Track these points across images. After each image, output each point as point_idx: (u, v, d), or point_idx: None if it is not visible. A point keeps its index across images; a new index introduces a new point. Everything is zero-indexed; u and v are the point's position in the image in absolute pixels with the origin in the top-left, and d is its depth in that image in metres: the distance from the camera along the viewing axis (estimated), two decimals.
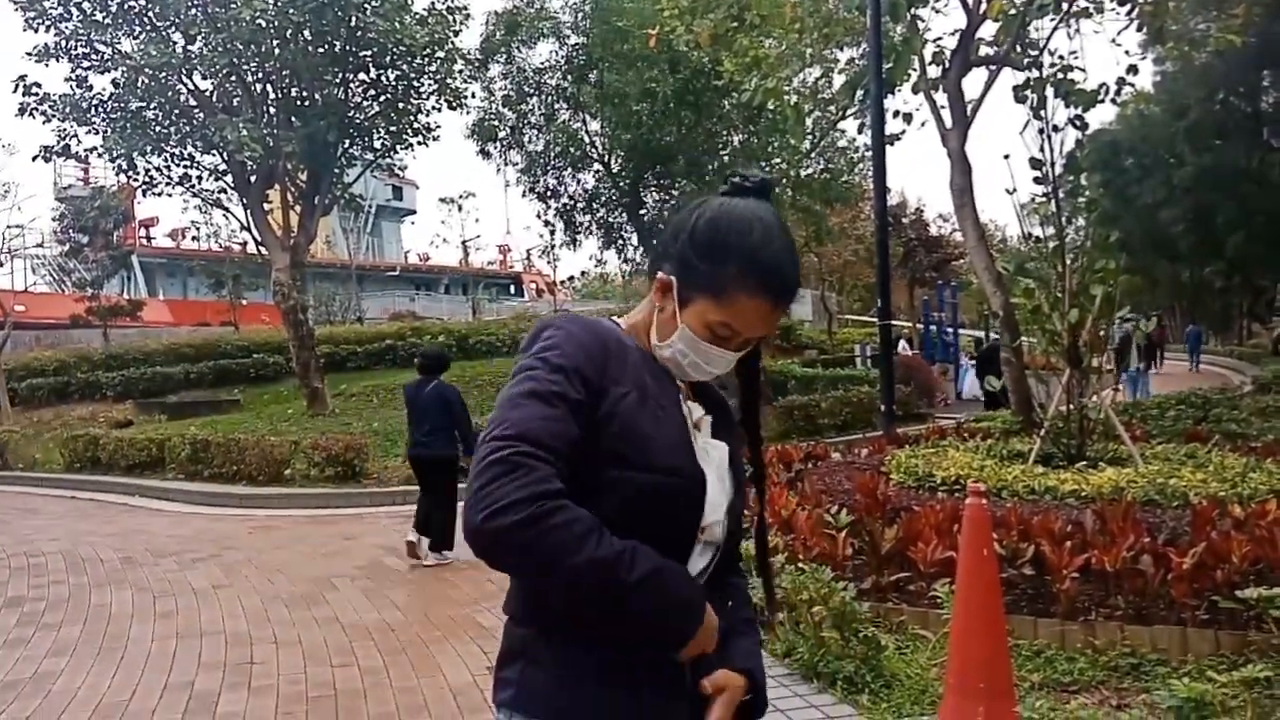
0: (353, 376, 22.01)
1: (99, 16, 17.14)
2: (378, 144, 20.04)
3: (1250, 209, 28.88)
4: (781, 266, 1.39)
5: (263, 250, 19.05)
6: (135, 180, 19.06)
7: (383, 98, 19.06)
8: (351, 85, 18.81)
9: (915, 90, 10.92)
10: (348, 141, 19.13)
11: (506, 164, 23.89)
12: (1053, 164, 8.02)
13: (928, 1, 10.91)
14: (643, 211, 23.63)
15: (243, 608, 6.71)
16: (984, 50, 10.64)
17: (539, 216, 26.57)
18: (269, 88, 18.42)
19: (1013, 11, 10.04)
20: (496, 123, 23.05)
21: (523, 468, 1.22)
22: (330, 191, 19.66)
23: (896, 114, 11.70)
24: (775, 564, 4.91)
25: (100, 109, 17.77)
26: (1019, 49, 10.42)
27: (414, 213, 60.79)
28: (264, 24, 16.53)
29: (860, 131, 20.26)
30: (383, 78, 18.77)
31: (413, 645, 5.63)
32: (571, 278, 49.40)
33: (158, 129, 18.08)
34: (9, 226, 29.84)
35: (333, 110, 18.09)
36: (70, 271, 32.59)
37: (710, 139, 22.15)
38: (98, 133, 17.97)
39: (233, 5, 16.21)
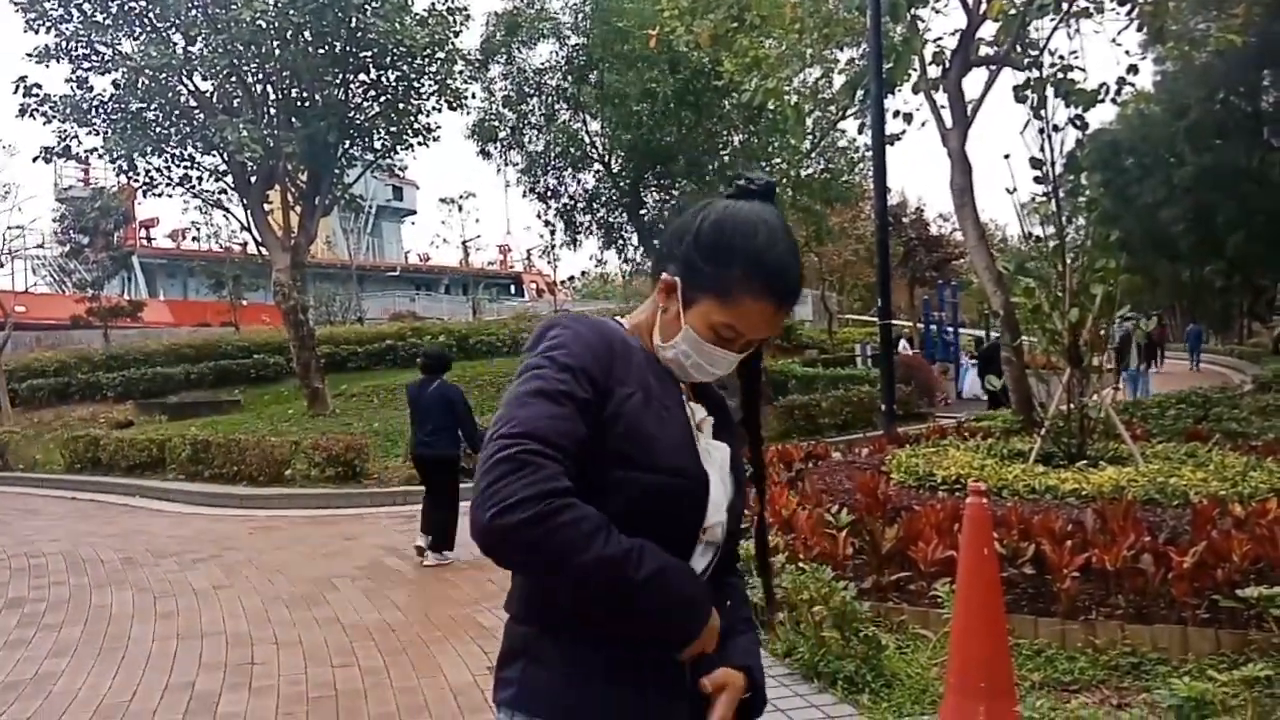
0: (353, 377, 22.02)
1: (99, 18, 17.15)
2: (378, 144, 20.05)
3: (1250, 208, 28.89)
4: (786, 269, 1.40)
5: (263, 251, 19.06)
6: (136, 181, 19.07)
7: (383, 98, 19.07)
8: (352, 86, 18.82)
9: (915, 90, 10.92)
10: (348, 142, 19.14)
11: (507, 164, 23.90)
12: (1053, 163, 8.03)
13: (928, 1, 10.92)
14: (643, 211, 23.63)
15: (243, 608, 6.71)
16: (984, 50, 10.64)
17: (539, 217, 26.59)
18: (269, 88, 18.43)
19: (1013, 11, 10.04)
20: (497, 123, 23.05)
21: (531, 465, 1.23)
22: (330, 192, 19.67)
23: (897, 114, 11.72)
24: (776, 564, 4.91)
25: (101, 110, 17.78)
26: (1019, 49, 10.42)
27: (414, 213, 60.78)
28: (264, 25, 16.54)
29: (860, 131, 20.29)
30: (383, 78, 18.78)
31: (413, 645, 5.63)
32: (572, 278, 49.41)
33: (158, 130, 18.09)
34: (10, 227, 29.99)
35: (333, 111, 18.10)
36: (71, 272, 32.60)
37: (710, 139, 22.15)
38: (98, 134, 17.98)
39: (233, 6, 16.22)
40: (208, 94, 18.37)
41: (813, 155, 23.60)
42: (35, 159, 18.43)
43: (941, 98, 10.63)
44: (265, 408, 19.98)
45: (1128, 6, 10.40)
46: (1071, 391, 7.38)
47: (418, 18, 18.13)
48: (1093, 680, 4.11)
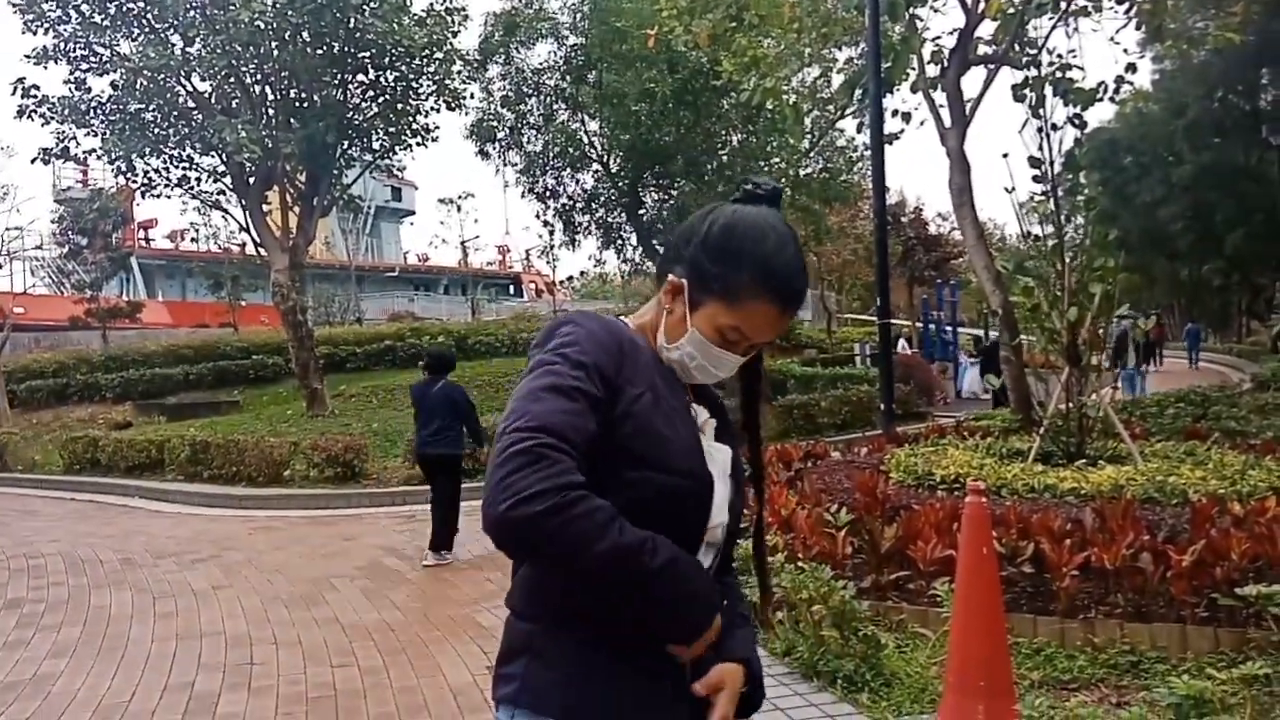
0: (352, 377, 22.03)
1: (97, 19, 17.14)
2: (376, 145, 20.04)
3: (1249, 207, 28.93)
4: (794, 275, 1.42)
5: (262, 251, 19.04)
6: (134, 182, 19.06)
7: (381, 99, 19.06)
8: (350, 86, 18.81)
9: (914, 89, 10.93)
10: (346, 143, 19.13)
11: (505, 164, 23.87)
12: (1051, 162, 8.04)
13: (926, 1, 10.92)
14: (642, 211, 23.62)
15: (242, 608, 6.70)
16: (982, 49, 10.65)
17: (538, 217, 26.54)
18: (268, 89, 18.42)
19: (1011, 10, 10.05)
20: (495, 123, 23.03)
21: (545, 459, 1.23)
22: (329, 192, 19.66)
23: (895, 113, 11.74)
24: (775, 563, 4.91)
25: (99, 111, 17.77)
26: (1017, 48, 10.43)
27: (413, 213, 60.78)
28: (262, 26, 16.54)
29: (859, 131, 20.27)
30: (381, 79, 18.77)
31: (412, 645, 5.63)
32: (570, 278, 49.38)
33: (156, 131, 18.08)
34: (8, 228, 29.93)
35: (331, 111, 18.09)
36: (69, 273, 32.58)
37: (709, 139, 22.14)
38: (96, 135, 17.97)
39: (231, 7, 16.21)
40: (206, 95, 18.36)
41: (811, 154, 23.60)
42: (34, 160, 18.43)
43: (940, 97, 10.64)
44: (264, 408, 19.97)
45: (1126, 5, 10.42)
46: (1070, 390, 7.38)
47: (416, 18, 18.13)
48: (1092, 679, 4.11)
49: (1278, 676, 3.65)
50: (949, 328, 25.52)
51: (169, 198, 19.58)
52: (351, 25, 17.27)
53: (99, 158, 18.68)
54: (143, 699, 4.84)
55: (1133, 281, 28.75)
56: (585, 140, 22.86)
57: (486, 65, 22.28)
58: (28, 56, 17.30)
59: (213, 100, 18.37)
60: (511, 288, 58.00)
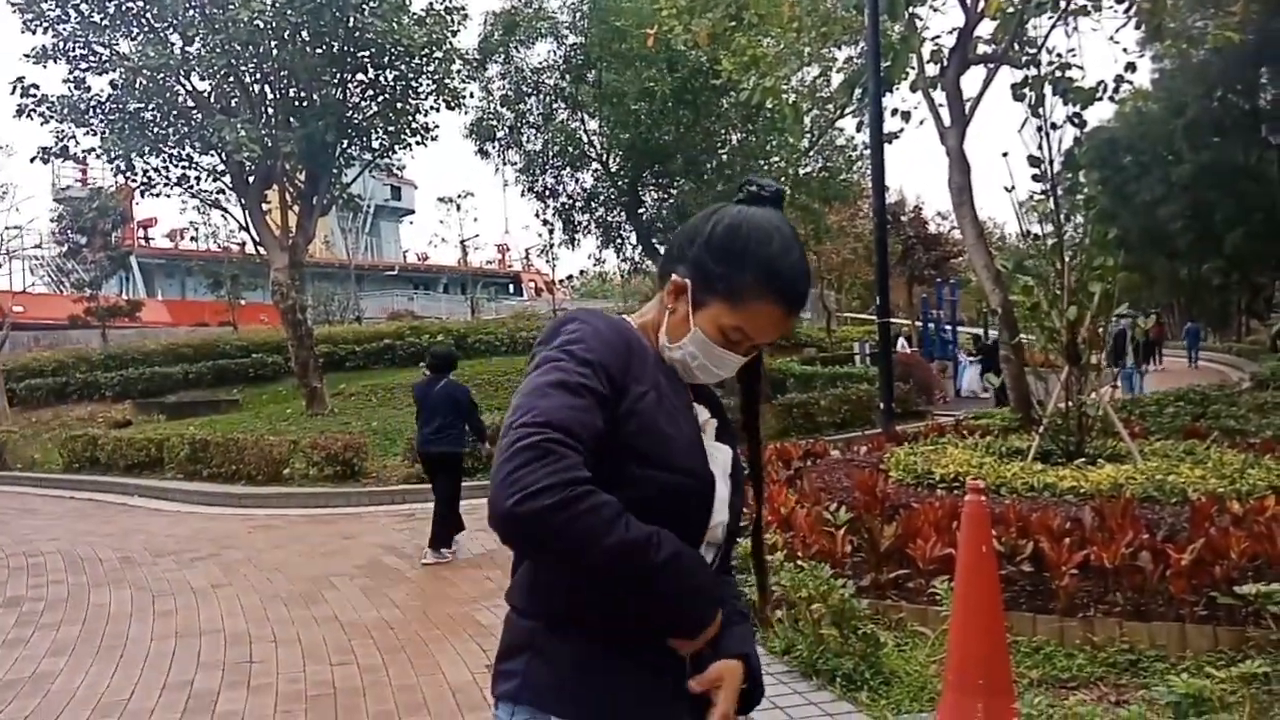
0: (351, 376, 22.02)
1: (97, 18, 17.12)
2: (376, 144, 20.03)
3: (1248, 206, 28.93)
4: (798, 276, 1.43)
5: (261, 250, 19.03)
6: (133, 181, 19.04)
7: (381, 98, 19.05)
8: (350, 85, 18.80)
9: (913, 88, 10.93)
10: (346, 142, 19.12)
11: (505, 163, 23.86)
12: (1051, 162, 8.04)
13: (925, 0, 10.93)
14: (641, 210, 23.62)
15: (241, 607, 6.71)
16: (982, 48, 10.65)
17: (537, 216, 26.59)
18: (267, 88, 18.41)
19: (1011, 9, 10.05)
20: (495, 122, 23.02)
21: (553, 454, 1.23)
22: (329, 191, 19.64)
23: (895, 112, 11.74)
24: (774, 561, 4.91)
25: (98, 110, 17.75)
26: (1017, 47, 10.44)
27: (412, 212, 60.78)
28: (262, 25, 16.52)
29: (859, 130, 20.26)
30: (381, 78, 18.76)
31: (411, 643, 5.63)
32: (570, 277, 49.30)
33: (156, 130, 18.06)
34: (7, 227, 29.92)
35: (331, 110, 18.08)
36: (68, 272, 32.58)
37: (708, 138, 22.14)
38: (96, 134, 17.95)
39: (230, 6, 16.19)
40: (205, 94, 18.35)
41: (811, 153, 23.59)
42: (33, 159, 18.40)
43: (939, 96, 10.65)
44: (263, 407, 19.97)
45: (1125, 4, 10.42)
46: (1070, 389, 7.38)
47: (415, 17, 18.12)
48: (1091, 677, 4.11)
49: (1276, 675, 3.65)
50: (948, 327, 25.53)
51: (168, 197, 19.51)
52: (351, 24, 17.26)
53: (98, 157, 18.65)
54: (142, 697, 4.84)
55: (1132, 280, 28.78)
56: (585, 139, 22.86)
57: (486, 64, 22.27)
58: (27, 55, 17.29)
59: (212, 99, 18.36)
60: (511, 287, 58.02)
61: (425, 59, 18.39)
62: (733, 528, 1.50)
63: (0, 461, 17.72)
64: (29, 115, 17.48)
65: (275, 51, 17.31)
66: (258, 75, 18.15)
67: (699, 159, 21.83)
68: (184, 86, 17.96)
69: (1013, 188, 8.13)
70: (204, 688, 4.96)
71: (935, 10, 11.45)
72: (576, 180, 24.13)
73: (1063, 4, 10.00)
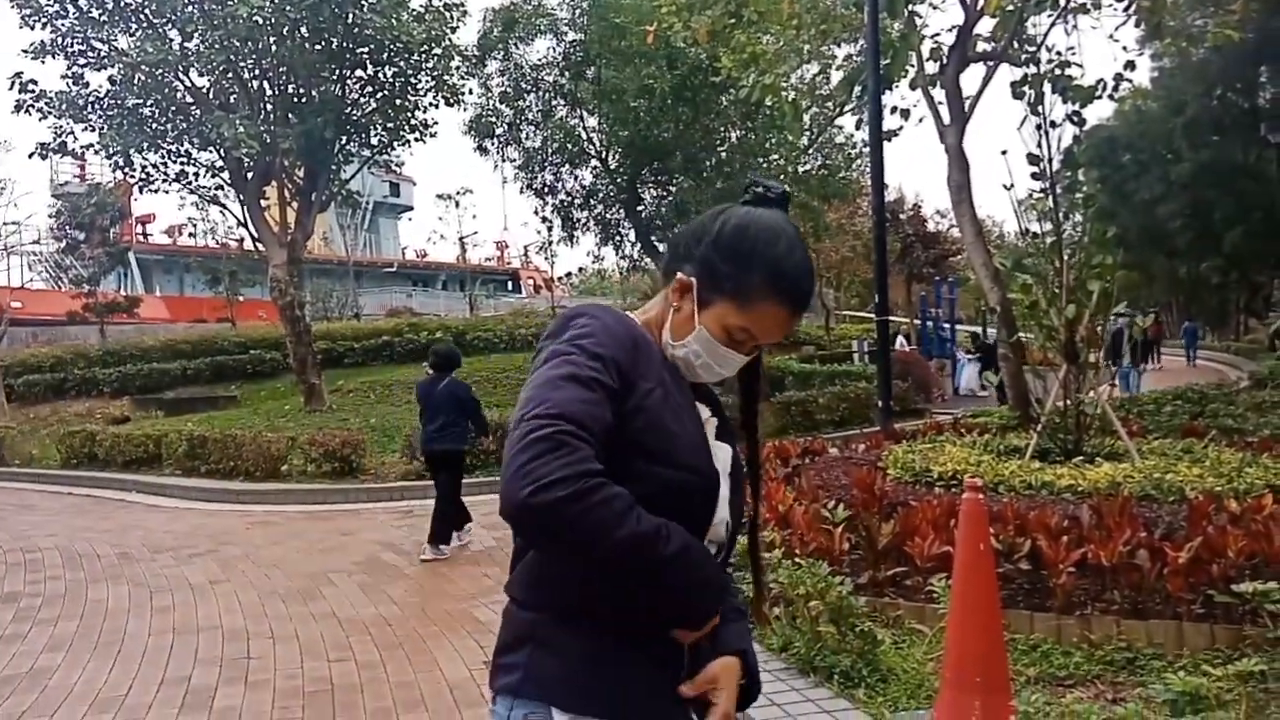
0: (350, 372, 22.01)
1: (95, 13, 17.11)
2: (375, 140, 20.02)
3: (1248, 205, 28.94)
4: (803, 278, 1.44)
5: (260, 247, 19.03)
6: (132, 177, 19.05)
7: (380, 94, 19.04)
8: (349, 82, 18.79)
9: (913, 86, 10.92)
10: (345, 138, 19.11)
11: (504, 160, 23.89)
12: (1050, 160, 8.03)
13: None
14: (640, 208, 23.63)
15: (239, 603, 6.71)
16: (981, 46, 10.65)
17: (536, 213, 26.60)
18: (266, 84, 18.39)
19: (1010, 7, 10.05)
20: (494, 119, 23.04)
21: (566, 446, 1.23)
22: (327, 188, 19.64)
23: (894, 110, 11.71)
24: (772, 559, 4.91)
25: (97, 106, 17.74)
26: (1016, 45, 10.44)
27: (411, 209, 60.78)
28: (261, 21, 16.50)
29: (858, 127, 20.21)
30: (380, 74, 18.75)
31: (409, 640, 5.63)
32: (569, 274, 49.32)
33: (154, 126, 18.05)
34: (6, 223, 29.89)
35: (330, 107, 18.07)
36: (67, 268, 32.57)
37: (708, 135, 22.14)
38: (94, 129, 17.94)
39: (229, 2, 16.18)
40: (204, 90, 18.33)
41: (810, 151, 23.62)
42: (31, 155, 18.39)
43: (939, 94, 10.65)
44: (262, 403, 19.96)
45: (1125, 2, 10.42)
46: (1068, 387, 7.39)
47: (414, 13, 18.10)
48: (1088, 675, 4.12)
49: (1273, 673, 3.66)
50: (947, 325, 25.50)
51: (167, 193, 19.58)
52: (350, 21, 17.25)
53: (97, 153, 18.64)
54: (139, 693, 4.84)
55: (1131, 279, 28.77)
56: (584, 136, 22.87)
57: (485, 61, 22.28)
58: (25, 51, 17.27)
59: (211, 95, 18.34)
60: (510, 284, 58.05)
61: (424, 55, 18.38)
62: (734, 525, 1.51)
63: None
64: (27, 111, 17.48)
65: (274, 48, 17.30)
66: (256, 71, 18.14)
67: (698, 156, 21.84)
68: (183, 82, 17.95)
69: (1012, 186, 8.11)
70: (201, 683, 4.96)
71: (935, 8, 11.49)
72: (575, 177, 24.15)
73: (1062, 2, 10.00)
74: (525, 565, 1.45)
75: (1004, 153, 8.07)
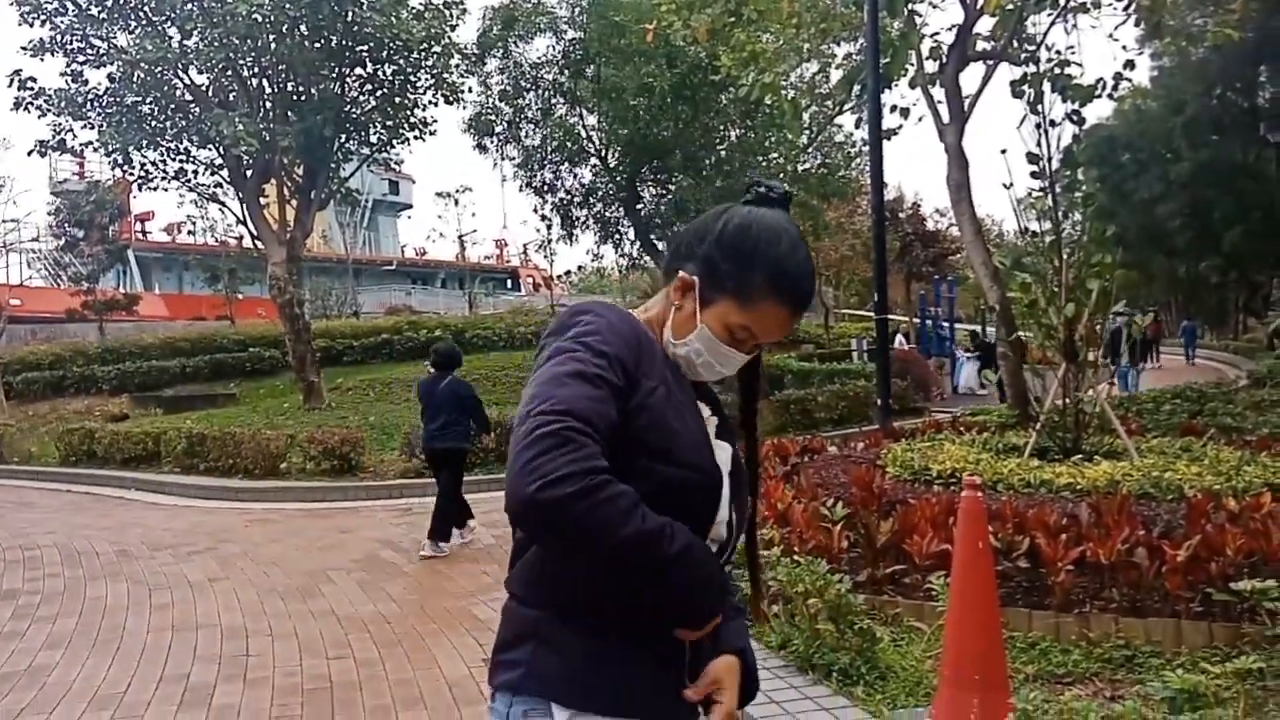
0: (349, 370, 22.00)
1: (94, 11, 17.09)
2: (374, 138, 20.01)
3: (1247, 204, 28.95)
4: (805, 278, 1.45)
5: (259, 244, 19.02)
6: (131, 175, 19.04)
7: (379, 92, 19.03)
8: (348, 80, 18.78)
9: (912, 85, 10.93)
10: (344, 136, 19.10)
11: (503, 158, 23.91)
12: (1050, 159, 8.03)
13: None
14: (639, 206, 23.63)
15: (238, 600, 6.71)
16: (981, 45, 10.65)
17: (536, 211, 26.59)
18: (265, 82, 18.38)
19: (1010, 6, 10.05)
20: (493, 117, 23.04)
21: (574, 443, 1.23)
22: (326, 186, 19.63)
23: (894, 109, 11.72)
24: (772, 556, 4.91)
25: (96, 104, 17.72)
26: (1016, 44, 10.43)
27: (410, 207, 60.78)
28: (260, 19, 16.49)
29: (857, 126, 20.23)
30: (379, 72, 18.74)
31: (408, 638, 5.63)
32: (568, 272, 49.38)
33: (153, 124, 18.05)
34: (5, 221, 29.87)
35: (329, 105, 18.05)
36: (66, 265, 32.58)
37: (707, 134, 22.15)
38: (93, 127, 17.93)
39: (228, 1, 16.16)
40: (203, 88, 18.32)
41: (810, 150, 23.61)
42: (30, 152, 18.38)
43: (938, 93, 10.65)
44: (261, 401, 19.95)
45: (1125, 2, 10.41)
46: (1067, 386, 7.39)
47: (414, 11, 18.10)
48: (1086, 673, 4.12)
49: (1271, 671, 3.66)
50: (946, 323, 25.50)
51: (166, 190, 19.65)
52: (349, 19, 17.24)
53: (95, 150, 18.65)
54: (138, 690, 4.84)
55: (1130, 278, 28.81)
56: (583, 135, 22.87)
57: (484, 59, 22.29)
58: (24, 49, 17.27)
59: (210, 93, 18.33)
60: (509, 282, 58.04)
61: (424, 53, 18.37)
62: (734, 524, 1.50)
63: None
64: (26, 108, 17.46)
65: (273, 46, 17.29)
66: (256, 69, 18.13)
67: (697, 155, 21.85)
68: (182, 80, 17.94)
69: (1011, 185, 8.11)
70: (200, 681, 4.96)
71: (934, 7, 11.50)
72: (575, 175, 24.17)
73: (1062, 1, 10.00)
74: (527, 562, 1.44)
75: (1003, 152, 8.07)
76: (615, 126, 21.45)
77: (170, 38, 17.34)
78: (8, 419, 20.55)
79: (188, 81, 18.03)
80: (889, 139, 11.57)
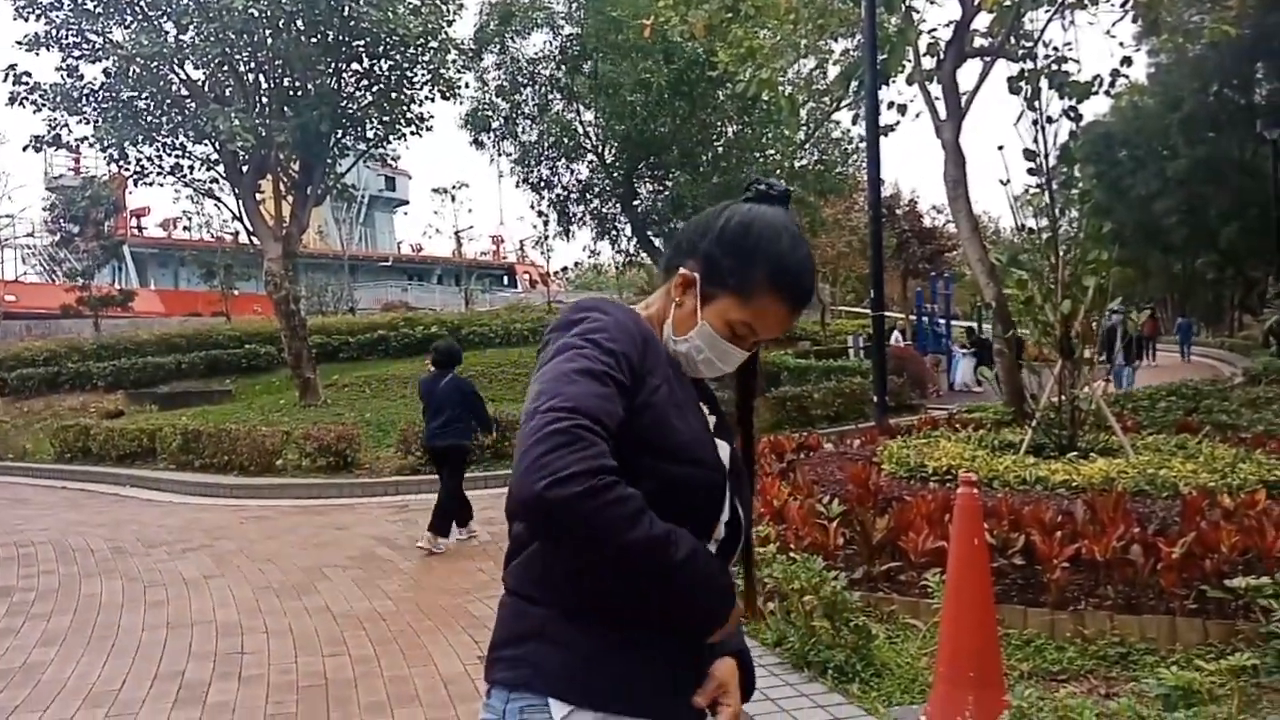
0: (345, 367, 21.97)
1: (90, 5, 17.03)
2: (370, 134, 19.95)
3: (1243, 201, 29.01)
4: (805, 274, 1.46)
5: (255, 240, 18.99)
6: (126, 170, 18.96)
7: (376, 88, 18.97)
8: (344, 75, 18.72)
9: (910, 81, 10.91)
10: (340, 131, 19.04)
11: (500, 154, 23.90)
12: (1046, 155, 8.02)
13: None
14: (636, 202, 23.61)
15: (233, 597, 6.70)
16: (978, 42, 10.64)
17: (532, 207, 26.59)
18: (261, 77, 18.32)
19: (1007, 3, 10.02)
20: (490, 113, 23.01)
21: (582, 440, 1.23)
22: (323, 181, 19.58)
23: (891, 105, 11.70)
24: (767, 553, 4.92)
25: (91, 98, 17.66)
26: (1013, 40, 10.42)
27: (407, 203, 60.69)
28: (256, 13, 16.43)
29: (855, 123, 20.33)
30: (376, 68, 18.68)
31: (404, 635, 5.63)
32: (565, 268, 49.30)
33: (149, 119, 17.99)
34: (0, 216, 29.76)
35: (325, 100, 18.00)
36: (61, 261, 32.51)
37: (704, 130, 22.14)
38: (89, 122, 17.86)
39: None
40: (199, 83, 18.26)
41: (807, 146, 23.59)
42: (25, 148, 18.32)
43: (936, 89, 10.63)
44: (256, 398, 19.92)
45: None
46: (1063, 383, 7.39)
47: (411, 6, 18.04)
48: (1081, 670, 4.13)
49: (1265, 668, 3.67)
50: (942, 320, 25.53)
51: (161, 186, 19.51)
52: (346, 13, 17.18)
53: (91, 145, 18.55)
54: (133, 687, 4.83)
55: (1126, 275, 28.87)
56: (580, 130, 22.84)
57: (481, 54, 22.25)
58: (19, 43, 17.18)
59: (206, 88, 18.27)
60: (505, 278, 57.97)
61: (420, 49, 18.30)
62: (734, 523, 1.50)
63: None
64: (21, 103, 17.39)
65: (270, 40, 17.24)
66: (252, 64, 18.07)
67: (695, 151, 21.83)
68: (178, 75, 17.87)
69: (1008, 181, 8.09)
70: (195, 678, 4.95)
71: (932, 3, 11.61)
72: (572, 172, 24.16)
73: None
74: (528, 559, 1.43)
75: (1000, 148, 8.05)
76: (612, 122, 21.44)
77: (166, 32, 17.28)
78: (2, 415, 20.51)
79: (183, 76, 17.97)
80: (886, 135, 11.57)
